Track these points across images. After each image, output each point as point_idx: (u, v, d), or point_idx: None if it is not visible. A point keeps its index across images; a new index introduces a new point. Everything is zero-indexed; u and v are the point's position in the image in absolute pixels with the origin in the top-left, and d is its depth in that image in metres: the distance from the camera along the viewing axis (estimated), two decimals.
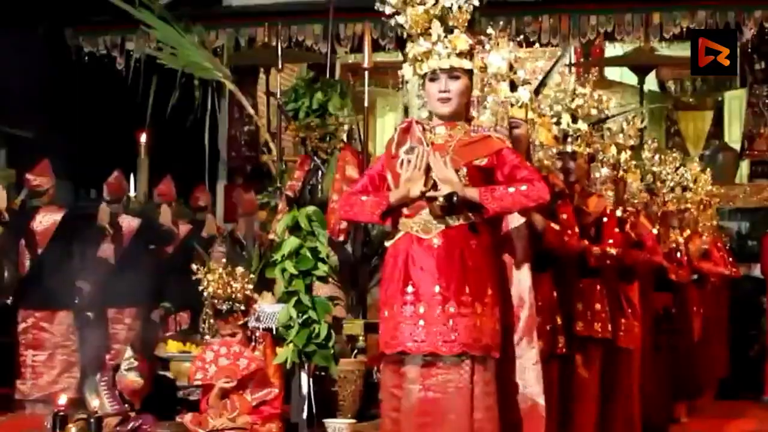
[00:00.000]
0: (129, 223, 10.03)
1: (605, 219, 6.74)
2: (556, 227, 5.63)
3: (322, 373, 7.18)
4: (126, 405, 7.95)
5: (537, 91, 5.91)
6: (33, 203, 9.67)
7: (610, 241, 6.69)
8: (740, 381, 11.59)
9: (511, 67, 5.61)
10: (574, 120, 6.49)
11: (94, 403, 7.70)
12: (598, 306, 6.53)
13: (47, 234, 9.48)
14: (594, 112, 6.64)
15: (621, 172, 7.46)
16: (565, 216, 5.77)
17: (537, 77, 5.85)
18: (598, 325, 6.49)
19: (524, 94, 5.58)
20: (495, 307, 4.77)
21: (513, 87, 5.59)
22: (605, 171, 7.36)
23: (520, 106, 5.54)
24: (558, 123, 6.44)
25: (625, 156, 7.48)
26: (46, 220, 9.50)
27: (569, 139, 6.46)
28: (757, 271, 12.54)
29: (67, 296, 9.30)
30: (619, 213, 7.36)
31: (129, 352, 8.27)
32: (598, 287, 6.59)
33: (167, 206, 10.67)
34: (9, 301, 10.27)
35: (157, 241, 10.35)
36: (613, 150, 7.38)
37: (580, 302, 6.44)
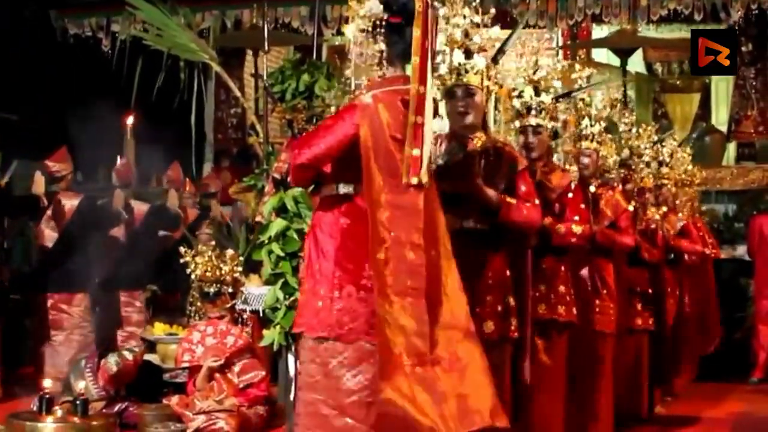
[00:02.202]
0: (138, 207, 10.15)
1: (570, 195, 6.42)
2: (512, 201, 5.35)
3: None
4: (111, 392, 7.94)
5: (495, 59, 5.65)
6: (50, 188, 9.73)
7: (576, 218, 6.35)
8: (727, 363, 11.59)
9: (466, 34, 5.44)
10: (537, 93, 6.27)
11: (79, 385, 7.69)
12: (562, 288, 6.22)
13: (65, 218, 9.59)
14: (558, 84, 6.47)
15: (595, 144, 7.30)
16: (524, 188, 5.45)
17: (494, 45, 5.63)
18: (562, 308, 6.18)
19: (479, 60, 5.41)
20: (320, 285, 4.66)
21: (468, 54, 5.42)
22: (568, 146, 7.24)
23: (476, 73, 5.40)
24: (520, 96, 6.23)
25: (599, 128, 7.30)
26: (63, 204, 9.58)
27: (533, 113, 6.22)
28: (741, 252, 12.55)
29: (85, 278, 9.35)
30: (593, 188, 7.23)
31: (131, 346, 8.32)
32: (563, 268, 6.29)
33: (175, 191, 10.74)
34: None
35: (164, 225, 10.42)
36: (587, 121, 7.24)
37: (543, 284, 6.13)
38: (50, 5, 14.35)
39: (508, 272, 5.46)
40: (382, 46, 4.68)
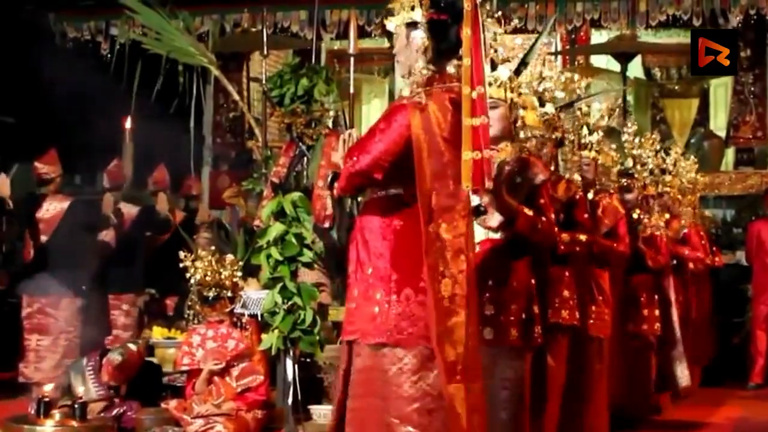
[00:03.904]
0: (128, 210, 10.14)
1: (574, 205, 6.52)
2: (529, 213, 5.33)
3: (308, 360, 7.18)
4: (111, 390, 7.94)
5: (518, 71, 5.62)
6: (39, 191, 9.74)
7: (580, 228, 6.50)
8: (725, 368, 11.60)
9: (490, 45, 5.37)
10: (541, 104, 6.26)
11: (79, 388, 7.68)
12: (566, 293, 6.33)
13: (53, 221, 9.58)
14: (561, 95, 6.45)
15: (594, 153, 7.28)
16: (542, 201, 5.43)
17: (518, 55, 5.61)
18: (566, 312, 6.29)
19: (503, 72, 5.38)
20: (374, 289, 4.52)
21: (492, 66, 5.38)
22: (570, 155, 7.22)
23: (499, 86, 5.35)
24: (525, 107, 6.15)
25: (597, 137, 7.28)
26: (52, 207, 9.59)
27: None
28: (740, 257, 12.55)
29: (73, 282, 9.34)
30: (590, 195, 7.23)
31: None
32: (567, 274, 6.39)
33: (163, 194, 10.73)
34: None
35: (154, 228, 10.41)
36: (585, 131, 7.21)
37: (549, 289, 6.12)
38: (49, 8, 14.34)
39: (532, 280, 5.46)
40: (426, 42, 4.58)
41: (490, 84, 5.20)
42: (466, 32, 4.45)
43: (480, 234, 5.15)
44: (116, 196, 10.12)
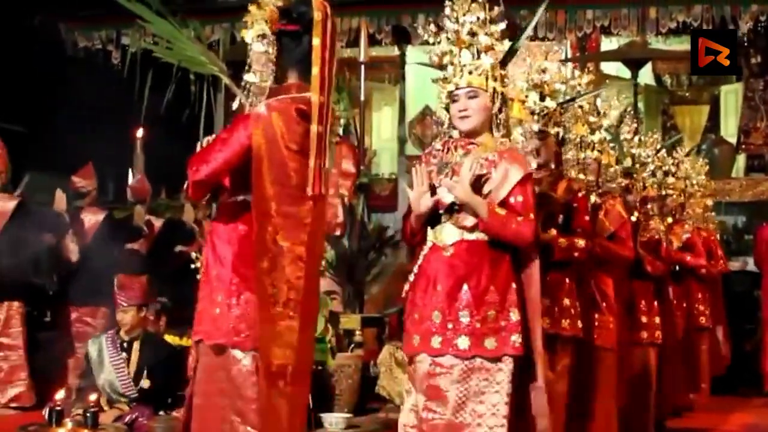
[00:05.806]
0: (155, 222, 10.28)
1: (575, 205, 6.18)
2: (502, 212, 4.73)
3: (319, 367, 7.16)
4: (124, 354, 7.91)
5: (505, 61, 5.18)
6: (76, 204, 9.97)
7: (579, 231, 6.15)
8: (738, 375, 11.54)
9: (473, 34, 5.01)
10: (542, 98, 6.12)
11: (94, 359, 7.73)
12: (566, 301, 6.03)
13: (89, 233, 9.81)
14: (561, 88, 6.26)
15: (596, 153, 6.99)
16: (521, 198, 4.79)
17: (503, 44, 5.18)
18: (566, 321, 5.99)
19: (486, 60, 5.00)
20: (217, 292, 4.66)
21: (476, 54, 5.02)
22: (572, 153, 6.94)
23: (480, 74, 4.95)
24: (524, 100, 5.90)
25: (599, 136, 7.03)
26: (88, 220, 9.82)
27: (536, 118, 6.07)
28: (751, 264, 12.49)
29: (109, 292, 9.44)
30: (593, 198, 6.81)
31: None
32: (567, 280, 6.08)
33: (189, 204, 10.85)
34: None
35: (180, 239, 10.52)
36: (585, 129, 6.88)
37: (547, 297, 5.71)
38: (60, 17, 14.37)
39: (513, 284, 4.86)
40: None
41: (470, 72, 4.97)
42: (315, 41, 4.63)
43: (454, 234, 4.88)
44: (144, 208, 10.33)
